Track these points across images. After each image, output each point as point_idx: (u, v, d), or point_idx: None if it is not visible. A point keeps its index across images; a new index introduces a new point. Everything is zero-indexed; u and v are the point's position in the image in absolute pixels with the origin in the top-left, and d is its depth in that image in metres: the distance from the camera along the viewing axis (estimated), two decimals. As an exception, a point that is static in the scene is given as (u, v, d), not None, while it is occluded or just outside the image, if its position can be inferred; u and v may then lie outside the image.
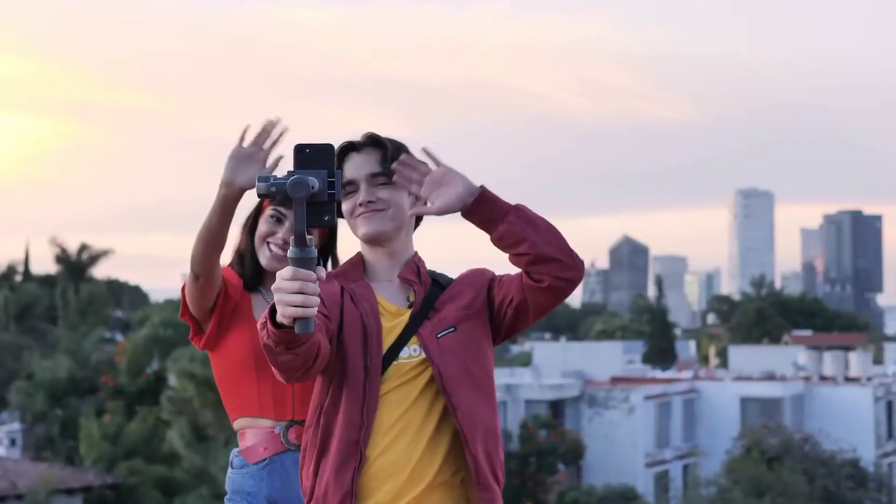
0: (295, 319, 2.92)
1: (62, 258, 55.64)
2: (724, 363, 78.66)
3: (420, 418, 3.35)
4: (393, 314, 3.44)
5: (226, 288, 3.95)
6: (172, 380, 33.39)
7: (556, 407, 45.04)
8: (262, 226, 4.01)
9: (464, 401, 3.34)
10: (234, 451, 3.97)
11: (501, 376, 47.07)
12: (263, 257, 4.00)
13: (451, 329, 3.39)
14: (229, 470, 3.98)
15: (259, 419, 3.93)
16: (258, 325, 3.12)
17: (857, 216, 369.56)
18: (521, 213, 3.28)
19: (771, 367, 58.29)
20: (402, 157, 3.32)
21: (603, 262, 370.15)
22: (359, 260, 3.55)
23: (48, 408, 39.05)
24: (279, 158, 3.60)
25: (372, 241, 3.49)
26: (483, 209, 3.27)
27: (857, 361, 55.80)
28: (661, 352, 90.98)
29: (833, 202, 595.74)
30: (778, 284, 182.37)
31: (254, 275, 4.04)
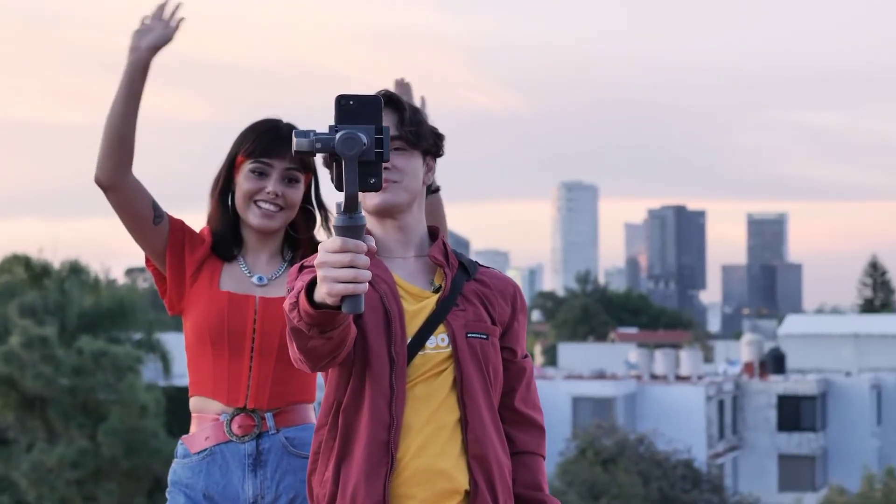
0: (343, 298, 2.60)
1: None
2: (550, 361, 79.71)
3: (453, 419, 3.10)
4: (415, 297, 3.16)
5: (185, 237, 3.79)
6: (-31, 378, 32.10)
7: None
8: (246, 183, 3.78)
9: (477, 420, 3.12)
10: (181, 438, 3.81)
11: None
12: (253, 217, 3.78)
13: (484, 336, 3.16)
14: (174, 460, 3.80)
15: (210, 401, 3.76)
16: (286, 306, 2.83)
17: (680, 211, 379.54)
18: None
19: (600, 366, 59.26)
20: None
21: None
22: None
23: None
24: (181, 20, 3.77)
25: (383, 213, 3.19)
26: None
27: (688, 360, 57.09)
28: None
29: (657, 197, 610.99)
30: (602, 280, 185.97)
31: (225, 242, 3.82)
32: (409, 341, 3.10)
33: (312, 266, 3.05)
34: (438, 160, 3.30)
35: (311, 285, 2.74)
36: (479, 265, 3.28)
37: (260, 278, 3.79)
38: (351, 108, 2.59)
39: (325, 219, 3.89)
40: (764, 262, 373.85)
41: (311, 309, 2.72)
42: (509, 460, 3.17)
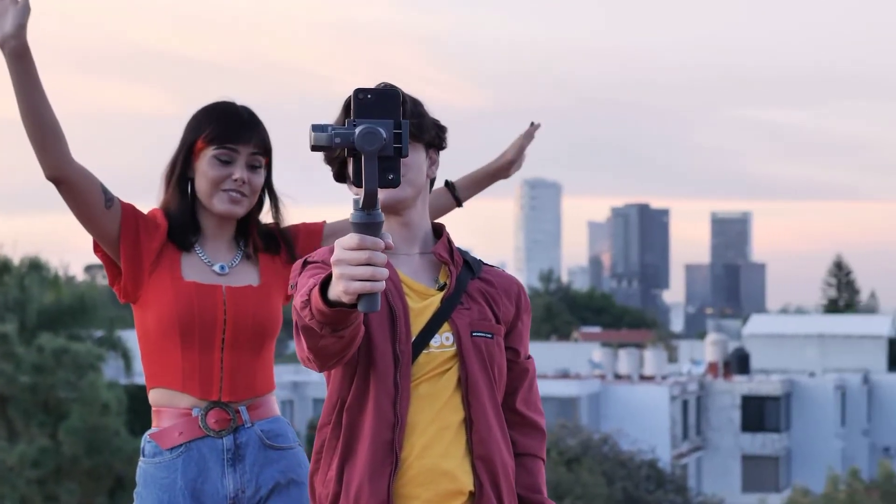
0: (359, 296, 2.55)
1: None
2: (513, 360, 79.63)
3: (458, 418, 3.09)
4: (420, 294, 3.12)
5: (139, 223, 3.69)
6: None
7: (346, 406, 44.78)
8: (211, 171, 3.69)
9: (482, 420, 3.10)
10: (146, 435, 3.71)
11: (287, 373, 46.57)
12: (220, 204, 3.70)
13: (489, 335, 3.12)
14: (140, 459, 3.71)
15: (179, 395, 3.68)
16: (297, 304, 2.79)
17: (644, 209, 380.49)
18: None
19: (564, 365, 59.36)
20: None
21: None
22: None
23: None
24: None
25: (387, 208, 3.13)
26: None
27: (652, 359, 57.29)
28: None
29: (621, 195, 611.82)
30: (565, 279, 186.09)
31: (183, 230, 3.74)
32: (413, 339, 3.06)
33: (317, 262, 3.03)
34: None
35: (323, 282, 2.70)
36: (484, 264, 3.25)
37: (222, 267, 3.73)
38: (369, 102, 2.52)
39: (276, 206, 3.83)
40: (727, 261, 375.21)
41: (325, 307, 2.68)
42: (514, 461, 3.16)
